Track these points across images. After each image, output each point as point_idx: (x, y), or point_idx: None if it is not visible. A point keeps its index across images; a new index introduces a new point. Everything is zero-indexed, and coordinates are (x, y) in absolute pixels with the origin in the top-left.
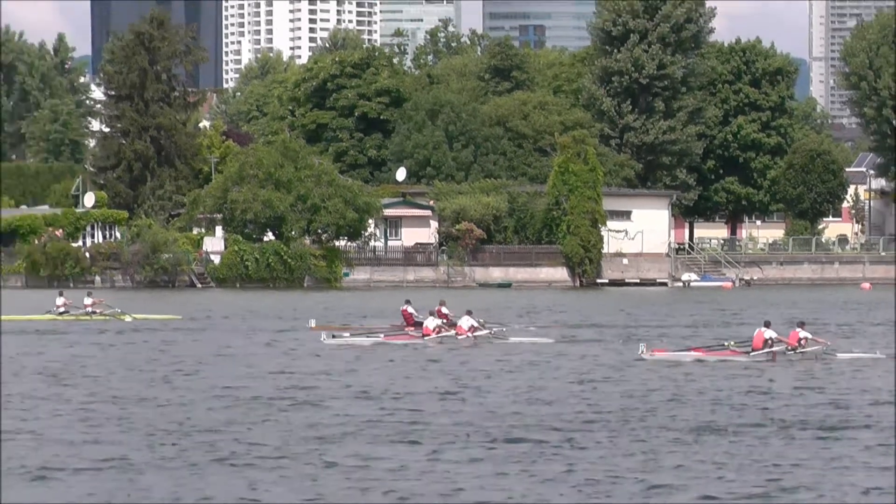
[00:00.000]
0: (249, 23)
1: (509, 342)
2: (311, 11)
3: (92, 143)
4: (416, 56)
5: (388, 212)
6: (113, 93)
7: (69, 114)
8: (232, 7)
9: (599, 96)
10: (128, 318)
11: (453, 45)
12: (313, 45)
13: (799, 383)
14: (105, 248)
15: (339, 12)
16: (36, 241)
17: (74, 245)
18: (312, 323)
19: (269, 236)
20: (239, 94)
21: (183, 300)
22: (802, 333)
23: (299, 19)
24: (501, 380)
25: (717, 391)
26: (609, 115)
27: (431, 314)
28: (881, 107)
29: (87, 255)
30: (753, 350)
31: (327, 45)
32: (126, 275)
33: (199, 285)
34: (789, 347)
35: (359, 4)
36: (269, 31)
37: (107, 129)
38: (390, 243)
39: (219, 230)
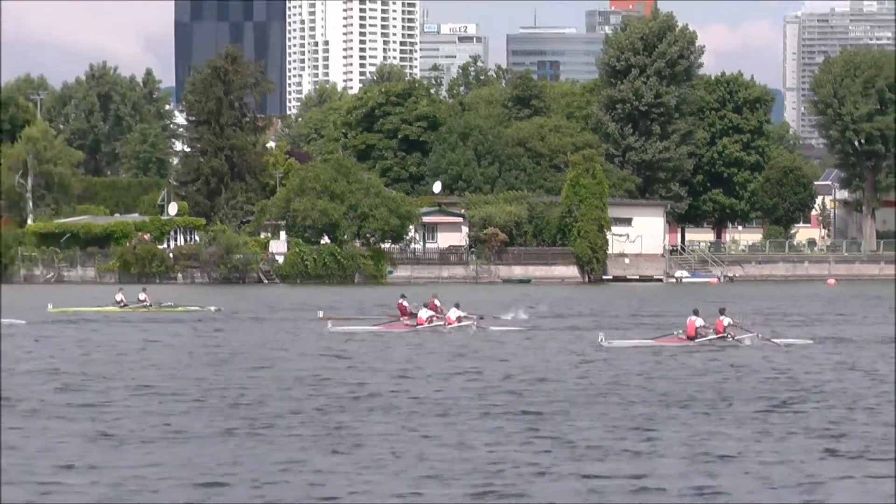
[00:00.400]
0: (309, 59)
1: (489, 331)
2: (362, 49)
3: (175, 160)
4: (450, 87)
5: (426, 219)
6: (193, 118)
7: (156, 136)
8: (294, 45)
9: (605, 121)
10: (320, 314)
11: (482, 77)
12: (363, 77)
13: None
14: (186, 250)
15: (385, 49)
16: (127, 244)
17: (160, 247)
18: (321, 314)
19: (325, 240)
20: (300, 119)
21: (250, 294)
22: (726, 320)
23: (351, 56)
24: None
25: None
26: (613, 137)
27: (425, 306)
28: (844, 130)
29: (171, 255)
30: (688, 338)
31: (375, 77)
32: (203, 272)
33: (266, 281)
34: (717, 334)
35: (402, 43)
36: (326, 66)
37: (188, 149)
38: (428, 245)
39: (282, 234)
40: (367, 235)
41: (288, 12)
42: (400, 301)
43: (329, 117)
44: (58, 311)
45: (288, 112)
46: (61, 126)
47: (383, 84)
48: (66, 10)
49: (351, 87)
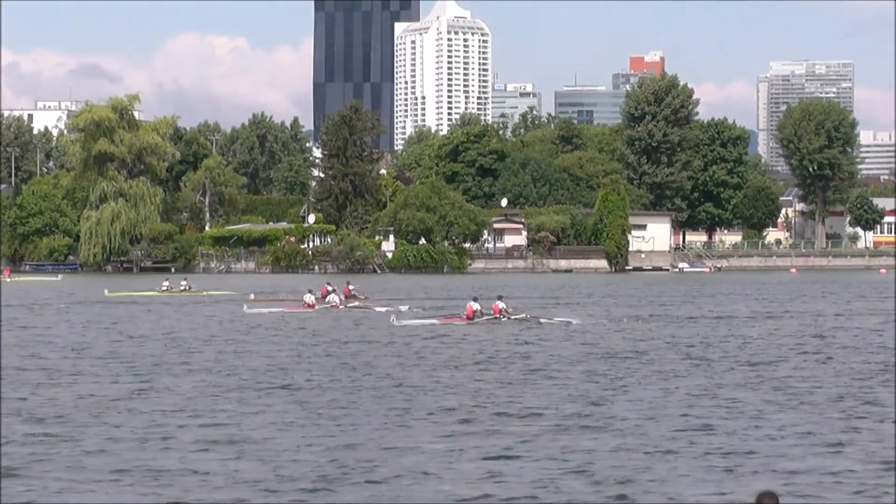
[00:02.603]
0: (410, 108)
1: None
2: (449, 101)
3: (313, 183)
4: (514, 129)
5: (496, 225)
6: (326, 152)
7: (299, 165)
8: (400, 98)
9: (627, 154)
10: (251, 296)
11: (536, 122)
12: (450, 122)
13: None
14: (321, 249)
15: (466, 101)
16: (278, 244)
17: (302, 247)
18: (251, 296)
19: (422, 241)
20: (404, 153)
21: (368, 280)
22: (501, 305)
23: (441, 106)
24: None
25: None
26: (633, 166)
27: (334, 292)
28: (802, 159)
29: (310, 252)
30: (468, 320)
31: (459, 122)
32: (334, 265)
33: (379, 271)
34: (494, 316)
35: (478, 97)
36: (423, 114)
37: (322, 175)
38: (497, 245)
39: (391, 237)
40: (453, 237)
41: (396, 75)
42: (325, 286)
43: (425, 151)
44: (113, 295)
45: (395, 148)
46: (230, 158)
47: (465, 127)
48: (236, 77)
49: (441, 130)
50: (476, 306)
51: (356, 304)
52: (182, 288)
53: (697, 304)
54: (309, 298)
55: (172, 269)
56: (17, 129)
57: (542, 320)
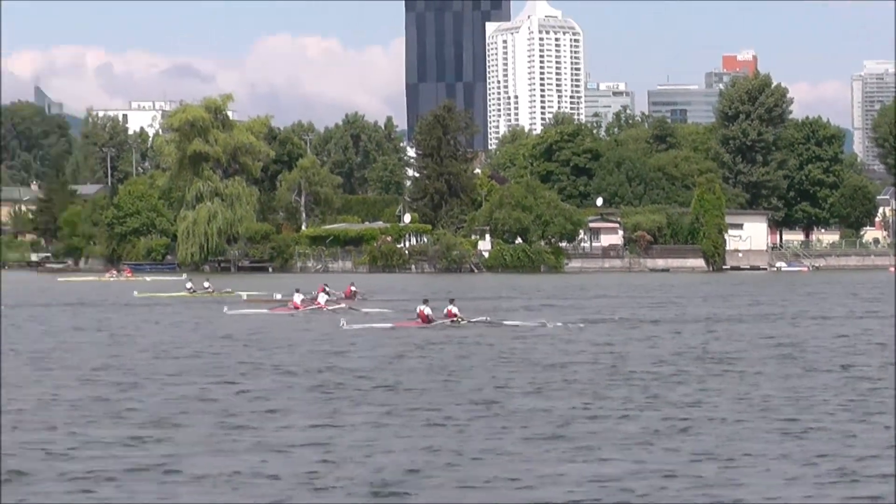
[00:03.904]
0: (503, 108)
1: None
2: (542, 100)
3: (408, 183)
4: (608, 128)
5: (591, 225)
6: (421, 152)
7: (394, 165)
8: (493, 98)
9: (721, 153)
10: (244, 296)
11: (630, 121)
12: (544, 121)
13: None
14: (417, 248)
15: (559, 101)
16: (375, 244)
17: (398, 246)
18: (244, 296)
19: (518, 240)
20: (498, 152)
21: (463, 279)
22: (454, 309)
23: (535, 105)
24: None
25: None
26: (728, 165)
27: (324, 292)
28: None
29: (406, 252)
30: (423, 322)
31: (552, 122)
32: (430, 265)
33: (475, 271)
34: (451, 321)
35: (571, 96)
36: (517, 113)
37: (417, 175)
38: (593, 244)
39: (487, 236)
40: (549, 237)
41: (488, 74)
42: (322, 286)
43: (519, 151)
44: (142, 296)
45: (489, 147)
46: (325, 158)
47: (559, 126)
48: (327, 78)
49: (535, 129)
50: (427, 310)
51: (342, 305)
52: (206, 288)
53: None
54: (297, 299)
55: (269, 269)
56: (112, 130)
57: (505, 322)
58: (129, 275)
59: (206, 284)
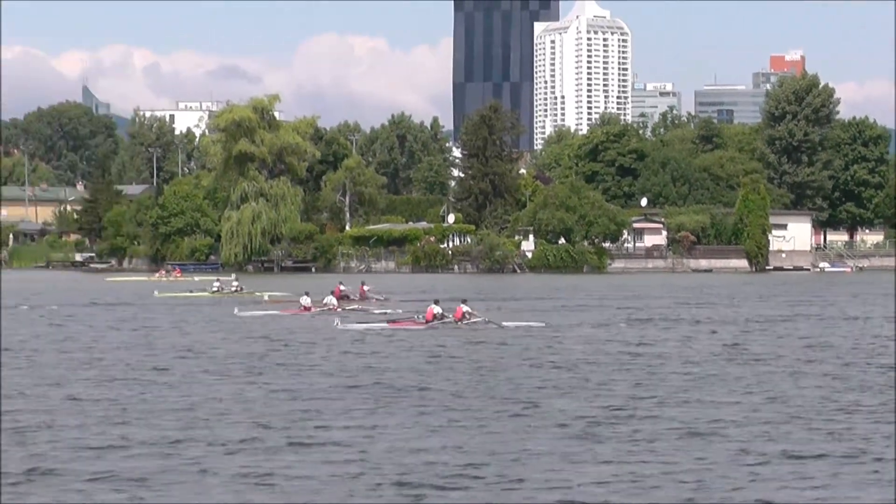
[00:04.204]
0: (549, 108)
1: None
2: (588, 101)
3: (453, 183)
4: (653, 129)
5: (635, 225)
6: (466, 152)
7: (439, 165)
8: (539, 98)
9: (767, 153)
10: (265, 297)
11: (676, 122)
12: (590, 122)
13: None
14: (461, 248)
15: (605, 101)
16: (418, 244)
17: (442, 246)
18: (266, 297)
19: (562, 240)
20: (543, 152)
21: (506, 280)
22: (465, 308)
23: (581, 106)
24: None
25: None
26: (773, 165)
27: (336, 294)
28: None
29: (449, 252)
30: (426, 322)
31: (598, 122)
32: (473, 265)
33: (518, 271)
34: (456, 320)
35: (618, 97)
36: (563, 113)
37: (462, 175)
38: (637, 244)
39: (531, 237)
40: (593, 237)
41: (535, 75)
42: (337, 286)
43: (565, 151)
44: (163, 296)
45: (535, 147)
46: (370, 158)
47: (605, 127)
48: (374, 77)
49: (581, 129)
50: (438, 310)
51: (355, 306)
52: (234, 289)
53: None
54: (305, 301)
55: (313, 269)
56: (158, 130)
57: (504, 324)
58: (178, 275)
59: (235, 285)
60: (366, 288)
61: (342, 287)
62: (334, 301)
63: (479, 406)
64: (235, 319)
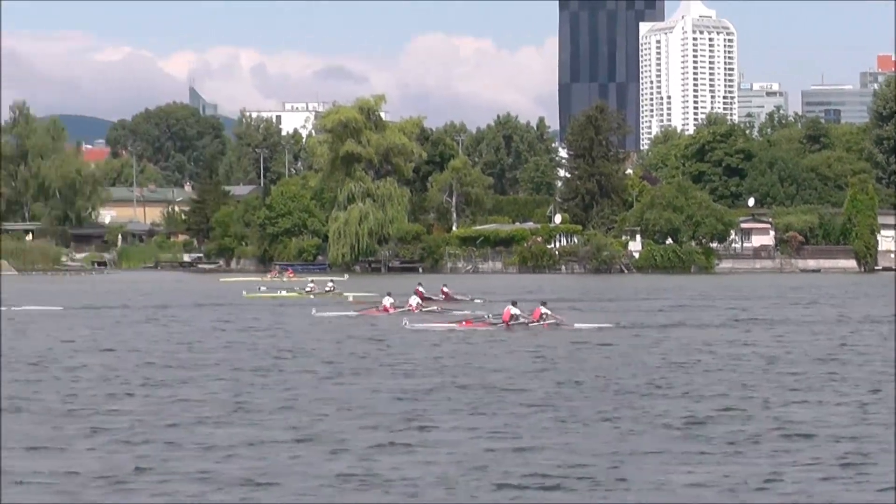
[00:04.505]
0: (656, 108)
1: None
2: (695, 101)
3: (559, 183)
4: (760, 129)
5: (743, 225)
6: (572, 153)
7: (545, 166)
8: (645, 98)
9: (875, 153)
10: (350, 298)
11: (783, 122)
12: (696, 122)
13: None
14: (567, 249)
15: (712, 101)
16: (525, 244)
17: (548, 247)
18: (350, 297)
19: (669, 240)
20: (650, 153)
21: (614, 280)
22: (543, 310)
23: (687, 106)
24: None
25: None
26: (881, 165)
27: (417, 294)
28: None
29: (556, 252)
30: (503, 322)
31: (705, 122)
32: (580, 265)
33: (625, 272)
34: (533, 321)
35: (724, 97)
36: (669, 113)
37: (568, 175)
38: (744, 244)
39: (638, 237)
40: (700, 237)
41: (641, 75)
42: (417, 287)
43: (671, 151)
44: (251, 297)
45: (641, 147)
46: (476, 159)
47: (711, 127)
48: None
49: (687, 129)
50: (515, 311)
51: (434, 307)
52: (327, 289)
53: None
54: (386, 302)
55: (420, 270)
56: (265, 131)
57: (576, 325)
58: (291, 275)
59: (329, 286)
60: (446, 289)
61: (421, 288)
62: (417, 301)
63: (582, 406)
64: (345, 321)
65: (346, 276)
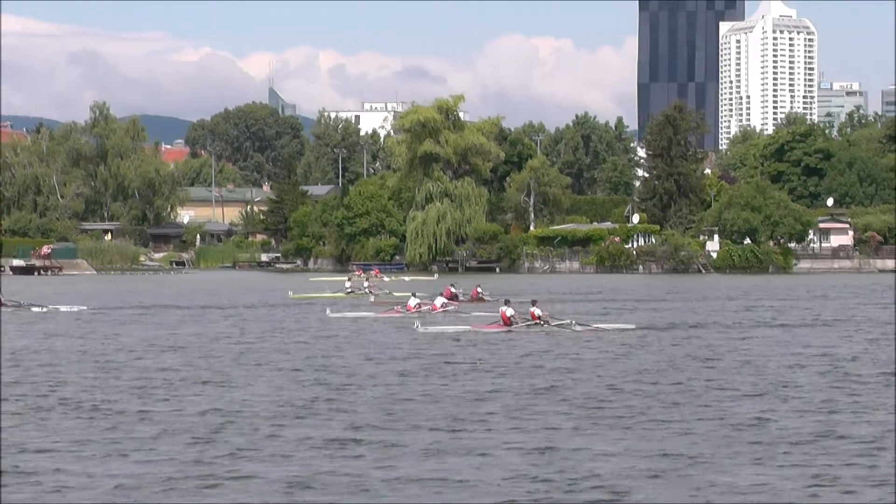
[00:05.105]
0: (735, 108)
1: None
2: (774, 101)
3: (637, 183)
4: (840, 128)
5: (821, 225)
6: (651, 152)
7: (623, 165)
8: (724, 98)
9: None
10: (371, 298)
11: (863, 121)
12: (775, 122)
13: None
14: (645, 249)
15: (791, 101)
16: (602, 244)
17: (626, 246)
18: (372, 298)
19: (747, 240)
20: (728, 152)
21: (691, 281)
22: (537, 311)
23: (766, 105)
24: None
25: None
26: None
27: (448, 295)
28: None
29: (634, 252)
30: (505, 325)
31: (784, 122)
32: (658, 265)
33: (703, 271)
34: (532, 321)
35: (804, 97)
36: (748, 113)
37: (646, 175)
38: (823, 245)
39: (716, 237)
40: (778, 237)
41: (720, 75)
42: (448, 287)
43: (750, 151)
44: (297, 297)
45: (720, 147)
46: (554, 159)
47: (790, 126)
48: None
49: (766, 129)
50: (510, 311)
51: (454, 307)
52: (366, 289)
53: None
54: (412, 302)
55: (497, 270)
56: (343, 131)
57: (598, 326)
58: (377, 275)
59: (366, 284)
60: (479, 289)
61: (452, 288)
62: (442, 301)
63: (655, 408)
64: (417, 334)
65: (436, 275)
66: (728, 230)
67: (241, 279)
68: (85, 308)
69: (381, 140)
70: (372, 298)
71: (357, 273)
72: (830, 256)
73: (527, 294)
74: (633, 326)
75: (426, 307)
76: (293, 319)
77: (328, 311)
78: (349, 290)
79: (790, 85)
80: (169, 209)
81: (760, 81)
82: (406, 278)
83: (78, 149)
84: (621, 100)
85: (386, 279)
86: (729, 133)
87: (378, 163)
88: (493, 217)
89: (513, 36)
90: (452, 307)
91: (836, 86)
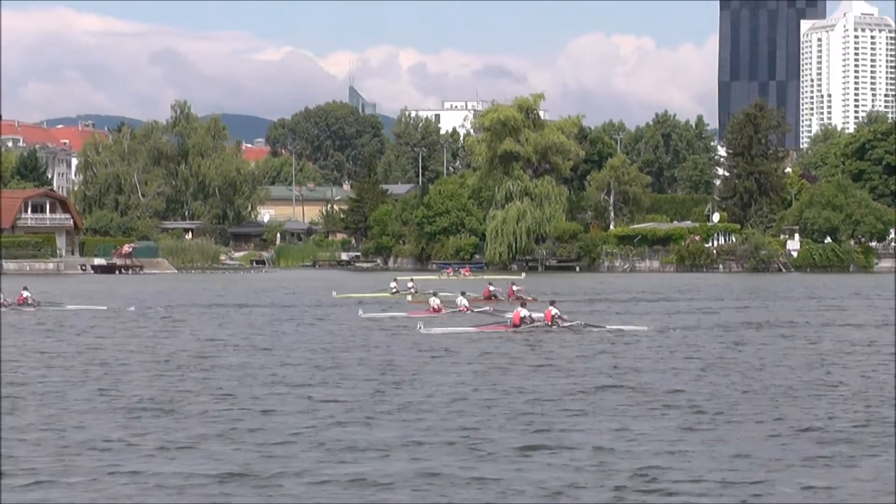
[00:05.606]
0: (816, 106)
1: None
2: (856, 99)
3: (717, 182)
4: None
5: None
6: (731, 151)
7: (703, 164)
8: (806, 97)
9: None
10: (408, 298)
11: None
12: (856, 120)
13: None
14: (725, 248)
15: (873, 99)
16: (683, 243)
17: (706, 245)
18: (409, 298)
19: (827, 239)
20: (809, 151)
21: (771, 280)
22: (554, 311)
23: (848, 104)
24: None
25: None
26: None
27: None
28: None
29: (714, 251)
30: (514, 326)
31: (866, 120)
32: (738, 264)
33: (783, 270)
34: (546, 323)
35: (885, 94)
36: (829, 112)
37: (727, 174)
38: None
39: (796, 236)
40: (859, 236)
41: (801, 73)
42: (487, 287)
43: (831, 150)
44: (341, 297)
45: (801, 146)
46: (635, 157)
47: (872, 125)
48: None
49: (847, 128)
50: (524, 312)
51: (486, 308)
52: (409, 289)
53: None
54: (434, 302)
55: (577, 269)
56: (424, 130)
57: (608, 327)
58: (467, 273)
59: (410, 285)
60: (515, 288)
61: (491, 287)
62: (465, 302)
63: (722, 408)
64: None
65: (524, 274)
66: (809, 229)
67: (321, 278)
68: (104, 308)
69: (461, 139)
70: (409, 298)
71: (447, 272)
72: None
73: (582, 294)
74: (646, 328)
75: (454, 309)
76: (332, 320)
77: (360, 313)
78: (394, 290)
79: (872, 83)
80: (249, 208)
81: (842, 80)
82: (486, 277)
83: (159, 147)
84: (702, 98)
85: (471, 278)
86: (810, 132)
87: (458, 161)
88: (572, 216)
89: (594, 34)
90: (486, 307)
91: None
